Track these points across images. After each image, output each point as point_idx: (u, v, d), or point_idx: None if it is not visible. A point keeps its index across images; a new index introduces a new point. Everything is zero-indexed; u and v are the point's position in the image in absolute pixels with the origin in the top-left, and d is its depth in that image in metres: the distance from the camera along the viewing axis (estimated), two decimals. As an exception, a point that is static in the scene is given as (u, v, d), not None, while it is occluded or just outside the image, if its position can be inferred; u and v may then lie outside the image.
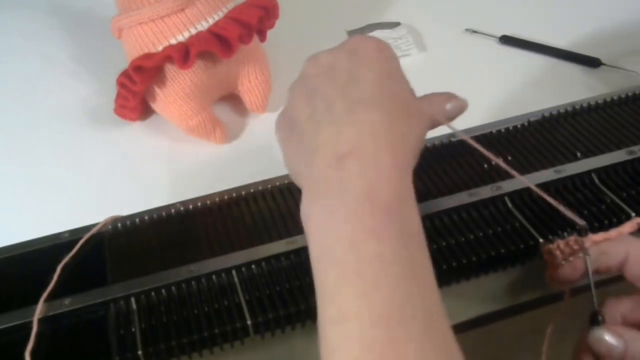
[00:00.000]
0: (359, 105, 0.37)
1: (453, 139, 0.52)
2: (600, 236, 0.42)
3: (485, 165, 0.49)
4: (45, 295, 0.42)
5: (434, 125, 0.42)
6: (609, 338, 0.36)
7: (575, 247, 0.41)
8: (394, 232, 0.33)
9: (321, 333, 0.33)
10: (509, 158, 0.50)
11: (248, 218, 0.48)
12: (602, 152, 0.50)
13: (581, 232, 0.41)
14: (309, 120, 0.38)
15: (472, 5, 0.77)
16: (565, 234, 0.44)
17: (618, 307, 0.39)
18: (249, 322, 0.40)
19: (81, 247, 0.46)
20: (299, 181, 0.39)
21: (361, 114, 0.36)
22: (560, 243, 0.42)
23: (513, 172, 0.42)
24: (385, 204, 0.34)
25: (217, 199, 0.49)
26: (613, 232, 0.44)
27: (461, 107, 0.42)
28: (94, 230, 0.47)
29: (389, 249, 0.33)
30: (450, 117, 0.42)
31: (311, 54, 0.42)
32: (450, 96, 0.42)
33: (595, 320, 0.38)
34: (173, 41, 0.56)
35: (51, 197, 0.56)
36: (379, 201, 0.34)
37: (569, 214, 0.41)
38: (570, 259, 0.41)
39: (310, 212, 0.36)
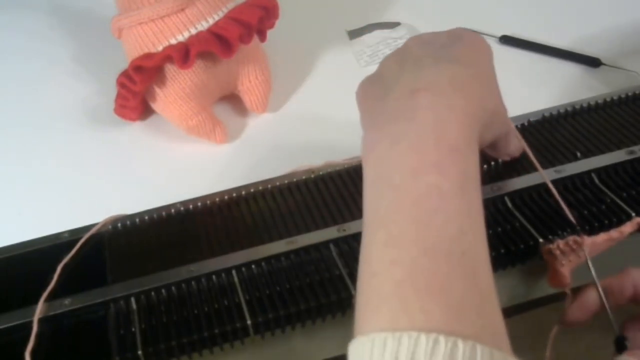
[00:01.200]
0: (446, 59, 0.37)
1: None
2: (601, 237, 0.42)
3: (485, 166, 0.49)
4: (45, 295, 0.42)
5: (504, 128, 0.44)
6: None
7: (575, 247, 0.41)
8: (456, 170, 0.33)
9: (365, 257, 0.33)
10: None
11: (248, 218, 0.48)
12: (602, 152, 0.50)
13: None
14: (395, 71, 0.39)
15: (472, 5, 0.77)
16: (565, 233, 0.44)
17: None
18: (249, 322, 0.40)
19: (81, 247, 0.46)
20: (367, 121, 0.39)
21: (446, 64, 0.37)
22: (560, 243, 0.42)
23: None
24: (451, 141, 0.34)
25: (217, 199, 0.49)
26: (614, 232, 0.44)
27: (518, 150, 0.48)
28: (93, 230, 0.47)
29: (448, 185, 0.33)
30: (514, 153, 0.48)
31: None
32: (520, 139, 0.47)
33: (621, 345, 0.37)
34: (173, 41, 0.56)
35: (51, 197, 0.56)
36: (445, 137, 0.34)
37: (570, 216, 0.41)
38: (570, 265, 0.41)
39: (375, 139, 0.36)
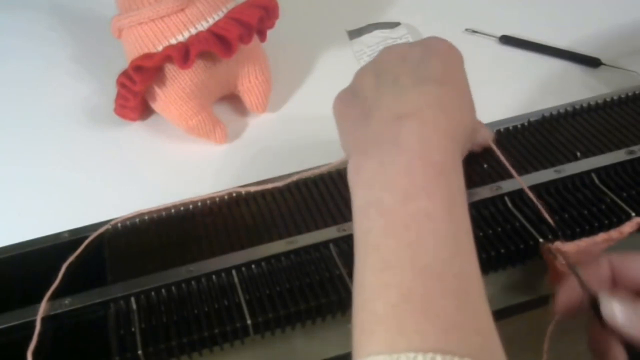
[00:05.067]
0: (425, 80, 0.38)
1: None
2: (600, 237, 0.42)
3: (485, 165, 0.49)
4: (48, 294, 0.42)
5: (478, 135, 0.46)
6: (619, 306, 0.36)
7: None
8: (444, 191, 0.34)
9: (358, 281, 0.33)
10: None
11: (248, 218, 0.48)
12: (602, 152, 0.50)
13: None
14: (373, 90, 0.39)
15: (472, 5, 0.77)
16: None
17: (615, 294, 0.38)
18: (249, 322, 0.40)
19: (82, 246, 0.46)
20: (352, 145, 0.39)
21: (426, 86, 0.38)
22: (560, 243, 0.42)
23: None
24: (438, 165, 0.35)
25: (217, 199, 0.49)
26: (614, 232, 0.44)
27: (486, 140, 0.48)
28: (101, 230, 0.47)
29: (437, 207, 0.33)
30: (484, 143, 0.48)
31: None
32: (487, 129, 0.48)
33: (596, 305, 0.37)
34: (173, 41, 0.56)
35: (51, 197, 0.56)
36: (432, 162, 0.35)
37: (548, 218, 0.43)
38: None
39: (362, 165, 0.37)
